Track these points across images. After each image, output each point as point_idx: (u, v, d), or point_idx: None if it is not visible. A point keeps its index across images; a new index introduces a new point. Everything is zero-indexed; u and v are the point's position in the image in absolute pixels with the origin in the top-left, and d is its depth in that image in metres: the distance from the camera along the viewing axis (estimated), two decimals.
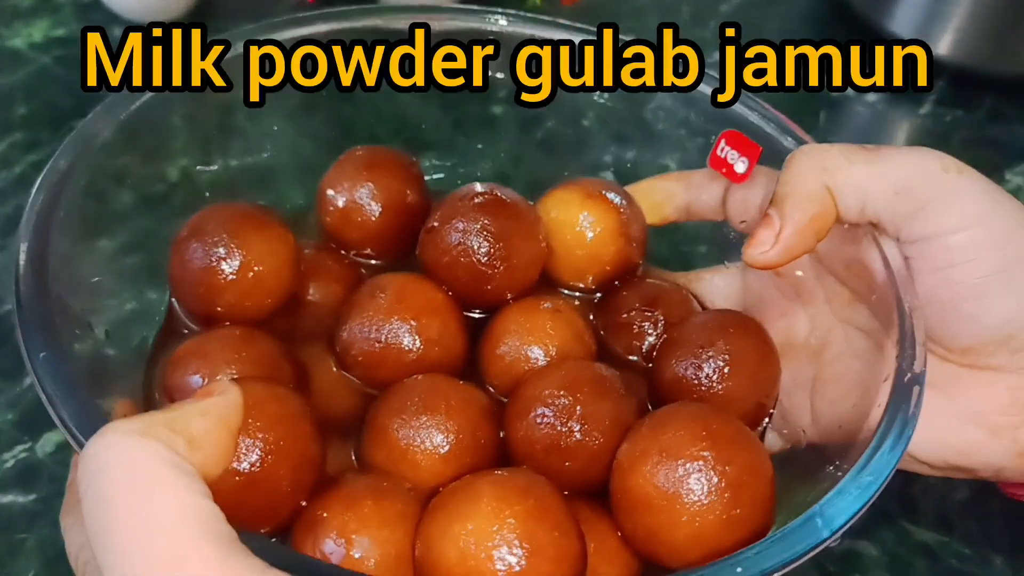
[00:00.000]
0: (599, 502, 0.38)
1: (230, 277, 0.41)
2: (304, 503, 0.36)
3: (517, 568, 0.31)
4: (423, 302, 0.43)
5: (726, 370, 0.41)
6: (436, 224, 0.44)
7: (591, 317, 0.48)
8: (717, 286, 0.50)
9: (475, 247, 0.43)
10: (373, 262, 0.49)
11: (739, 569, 0.29)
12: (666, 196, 0.49)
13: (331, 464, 0.38)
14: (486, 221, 0.43)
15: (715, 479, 0.34)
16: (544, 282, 0.48)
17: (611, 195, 0.48)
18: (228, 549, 0.25)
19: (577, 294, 0.49)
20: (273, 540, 0.35)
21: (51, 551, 0.44)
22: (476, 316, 0.46)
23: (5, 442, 0.48)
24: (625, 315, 0.46)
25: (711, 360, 0.41)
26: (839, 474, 0.34)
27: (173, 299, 0.44)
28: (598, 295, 0.49)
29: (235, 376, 0.38)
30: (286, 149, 0.51)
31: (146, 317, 0.44)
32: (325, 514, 0.34)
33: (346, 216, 0.47)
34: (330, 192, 0.47)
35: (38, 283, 0.35)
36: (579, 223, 0.47)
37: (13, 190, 0.59)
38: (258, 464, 0.34)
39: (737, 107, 0.47)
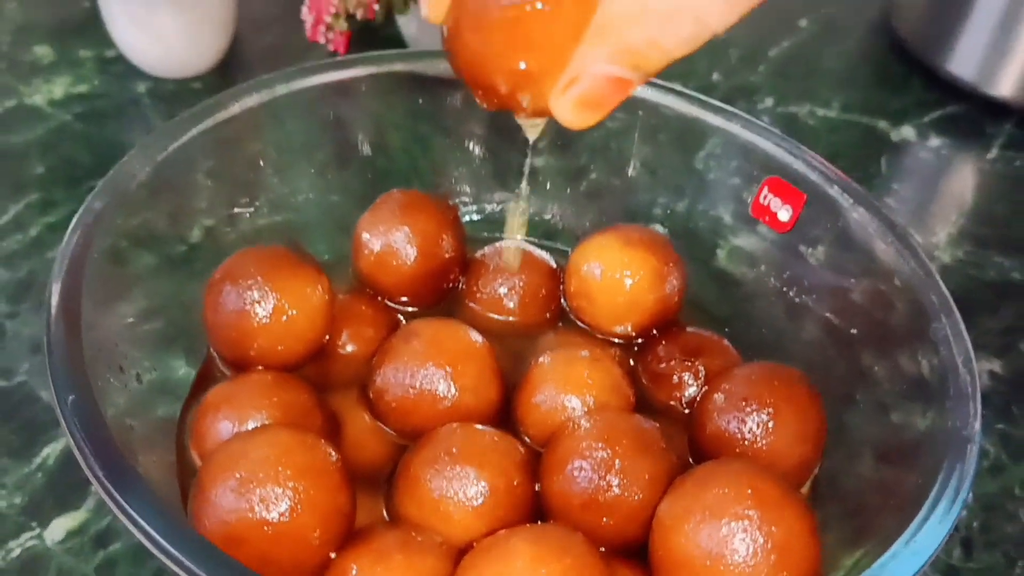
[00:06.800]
0: (637, 561, 0.37)
1: (263, 321, 0.41)
2: (333, 555, 0.35)
3: None
4: (458, 348, 0.42)
5: (770, 425, 0.39)
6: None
7: (631, 363, 0.47)
8: None
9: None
10: (409, 309, 0.48)
11: None
12: None
13: (361, 517, 0.37)
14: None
15: (760, 540, 0.32)
16: (582, 329, 0.47)
17: (651, 241, 0.47)
18: None
19: (616, 340, 0.47)
20: None
21: None
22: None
23: (11, 528, 0.42)
24: (665, 365, 0.45)
25: (755, 414, 0.40)
26: (886, 539, 0.32)
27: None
28: (639, 341, 0.48)
29: (265, 423, 0.38)
30: (316, 205, 0.50)
31: (184, 363, 0.43)
32: (354, 567, 0.33)
33: (381, 260, 0.46)
34: (365, 235, 0.47)
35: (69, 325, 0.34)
36: (618, 270, 0.46)
37: (27, 254, 0.54)
38: (287, 514, 0.33)
39: (784, 155, 0.46)
